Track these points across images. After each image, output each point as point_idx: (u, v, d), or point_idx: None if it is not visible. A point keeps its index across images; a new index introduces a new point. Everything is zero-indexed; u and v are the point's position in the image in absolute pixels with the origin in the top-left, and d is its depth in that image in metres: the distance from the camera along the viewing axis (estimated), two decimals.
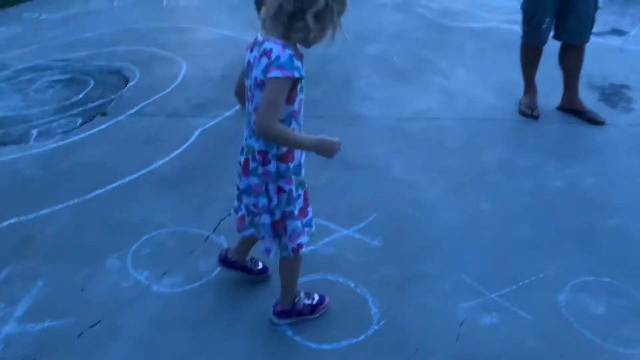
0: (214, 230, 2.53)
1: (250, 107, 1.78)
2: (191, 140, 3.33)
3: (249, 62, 1.74)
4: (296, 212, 1.84)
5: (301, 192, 1.87)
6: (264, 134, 1.68)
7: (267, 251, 1.90)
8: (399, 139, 3.38)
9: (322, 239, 2.46)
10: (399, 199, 2.78)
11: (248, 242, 2.14)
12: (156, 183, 2.90)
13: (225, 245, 2.40)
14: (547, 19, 3.50)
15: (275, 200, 1.80)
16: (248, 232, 1.97)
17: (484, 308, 2.10)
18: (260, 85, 1.68)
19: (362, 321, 2.05)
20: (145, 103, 3.76)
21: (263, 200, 1.81)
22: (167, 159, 3.11)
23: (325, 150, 1.75)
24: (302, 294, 2.07)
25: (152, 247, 2.42)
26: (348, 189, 2.86)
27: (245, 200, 1.89)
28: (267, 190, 1.80)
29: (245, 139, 1.83)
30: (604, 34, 5.42)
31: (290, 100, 1.69)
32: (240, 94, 1.87)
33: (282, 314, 2.04)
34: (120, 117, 3.57)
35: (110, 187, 2.85)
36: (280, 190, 1.80)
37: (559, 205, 2.75)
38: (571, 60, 3.65)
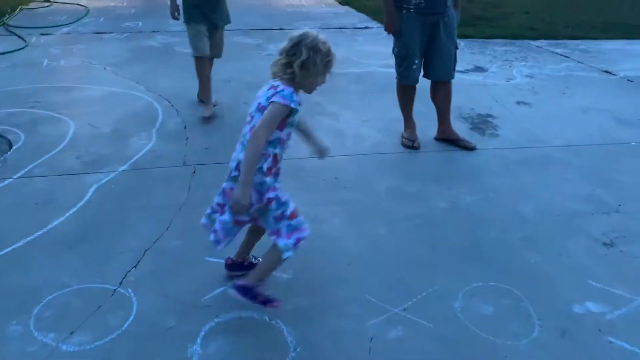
0: (120, 283, 2.50)
1: (246, 128, 2.14)
2: (87, 197, 3.25)
3: (257, 96, 2.15)
4: (288, 213, 2.16)
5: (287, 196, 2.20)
6: (254, 136, 2.01)
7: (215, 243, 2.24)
8: (299, 177, 3.54)
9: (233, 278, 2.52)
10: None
11: (249, 243, 2.48)
12: (54, 244, 2.80)
13: (133, 298, 2.38)
14: (416, 61, 3.90)
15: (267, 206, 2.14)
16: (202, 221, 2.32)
17: (390, 323, 2.27)
18: (261, 109, 2.07)
19: (280, 350, 2.12)
20: (33, 164, 3.62)
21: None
22: (62, 218, 3.02)
23: (239, 198, 2.04)
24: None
25: (56, 308, 2.33)
26: None
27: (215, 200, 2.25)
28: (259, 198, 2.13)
29: (236, 154, 2.18)
30: (468, 71, 6.09)
31: (280, 127, 2.08)
32: None
33: (241, 288, 2.20)
34: (8, 181, 3.41)
35: (2, 253, 2.71)
36: (268, 200, 2.13)
37: (446, 224, 3.04)
38: (441, 95, 4.08)
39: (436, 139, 4.17)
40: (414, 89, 4.06)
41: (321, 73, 2.11)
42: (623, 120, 4.68)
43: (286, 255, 2.17)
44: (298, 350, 2.13)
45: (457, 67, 4.10)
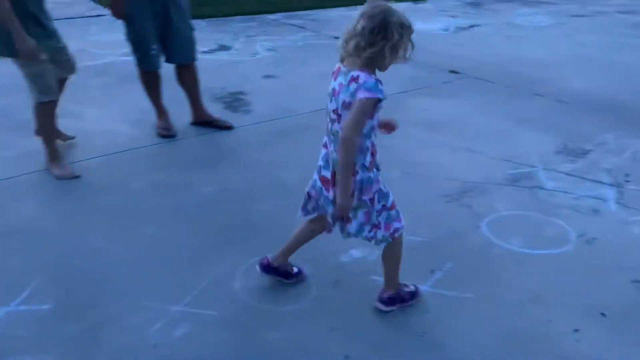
0: None
1: (336, 126, 1.96)
2: None
3: (334, 89, 1.95)
4: (389, 204, 2.08)
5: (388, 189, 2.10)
6: (346, 142, 1.88)
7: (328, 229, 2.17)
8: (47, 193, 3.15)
9: None
10: (60, 256, 2.60)
11: (298, 243, 2.34)
12: None
13: None
14: (153, 46, 3.74)
15: (364, 207, 2.03)
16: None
17: (173, 323, 2.17)
18: (347, 106, 1.89)
19: None
20: None
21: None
22: None
23: (343, 204, 1.98)
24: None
25: None
26: None
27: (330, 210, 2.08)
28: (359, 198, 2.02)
29: (330, 155, 2.04)
30: (214, 51, 6.09)
31: (371, 116, 1.92)
32: None
33: (389, 300, 2.22)
34: None
35: None
36: (371, 196, 2.02)
37: (216, 207, 3.02)
38: (188, 78, 3.99)
39: (192, 123, 4.10)
40: (157, 75, 3.90)
41: (405, 50, 1.87)
42: None
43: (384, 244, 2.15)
44: None
45: (202, 48, 4.08)
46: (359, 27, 1.83)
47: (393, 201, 2.11)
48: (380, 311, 2.23)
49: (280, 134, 3.97)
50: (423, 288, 2.36)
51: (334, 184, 2.03)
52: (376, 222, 2.08)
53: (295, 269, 2.43)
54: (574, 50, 6.46)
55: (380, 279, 2.41)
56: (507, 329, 2.16)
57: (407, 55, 1.89)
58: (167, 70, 3.94)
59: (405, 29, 1.84)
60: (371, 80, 1.85)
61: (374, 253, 2.60)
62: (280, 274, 2.39)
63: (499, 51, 6.33)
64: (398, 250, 2.18)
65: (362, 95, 1.83)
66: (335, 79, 1.96)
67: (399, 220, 2.13)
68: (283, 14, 8.28)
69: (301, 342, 2.09)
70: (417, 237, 2.70)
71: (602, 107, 4.51)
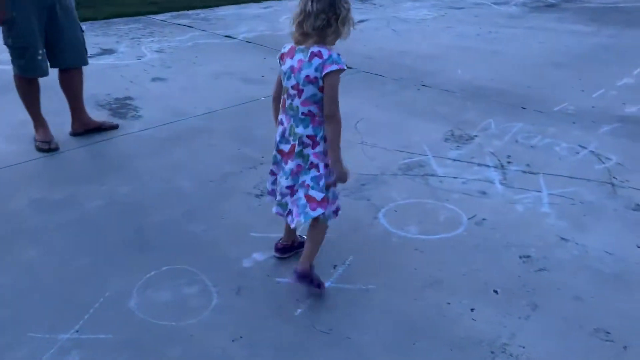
0: None
1: (296, 101, 2.11)
2: None
3: (292, 66, 2.08)
4: (332, 181, 2.20)
5: None
6: (333, 120, 2.08)
7: (291, 222, 2.26)
8: None
9: None
10: None
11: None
12: None
13: None
14: (40, 51, 3.46)
15: (324, 175, 2.16)
16: (274, 210, 2.33)
17: (62, 352, 2.00)
18: (312, 80, 2.05)
19: None
20: None
21: (304, 178, 2.17)
22: None
23: (342, 170, 2.18)
24: None
25: None
26: None
27: (283, 182, 2.22)
28: (316, 167, 2.16)
29: (290, 129, 2.16)
30: (96, 55, 5.74)
31: None
32: (278, 100, 2.25)
33: (302, 274, 2.23)
34: None
35: None
36: (326, 165, 2.17)
37: (105, 222, 2.83)
38: (73, 84, 3.75)
39: (74, 134, 3.82)
40: (37, 82, 3.59)
41: (351, 24, 2.09)
42: (250, 80, 5.13)
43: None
44: None
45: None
46: (311, 8, 2.01)
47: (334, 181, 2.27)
48: (288, 283, 2.35)
49: (172, 140, 3.81)
50: (327, 284, 2.36)
51: (291, 157, 2.18)
52: (326, 195, 2.20)
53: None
54: (455, 41, 6.81)
55: (284, 280, 2.40)
56: (408, 315, 2.22)
57: (352, 29, 2.12)
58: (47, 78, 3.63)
59: (349, 4, 2.09)
60: (334, 53, 2.05)
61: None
62: (297, 247, 2.52)
63: (387, 45, 6.53)
64: (324, 231, 2.32)
65: (330, 68, 2.02)
66: (291, 58, 2.11)
67: (338, 200, 2.32)
68: (170, 14, 7.99)
69: (203, 356, 2.01)
70: None
71: (484, 95, 4.79)
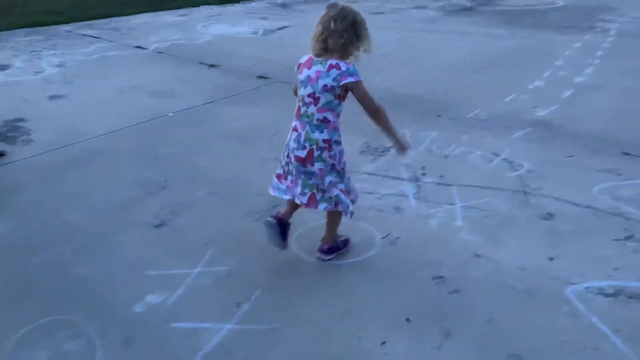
0: None
1: (311, 108, 2.32)
2: None
3: (309, 76, 2.32)
4: (349, 175, 2.47)
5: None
6: (378, 113, 2.37)
7: (345, 212, 2.45)
8: None
9: None
10: None
11: (293, 210, 2.57)
12: None
13: None
14: None
15: (343, 174, 2.42)
16: (323, 207, 2.43)
17: None
18: (329, 90, 2.28)
19: None
20: None
21: (330, 178, 2.37)
22: None
23: (403, 144, 2.50)
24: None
25: None
26: None
27: (312, 181, 2.38)
28: (333, 166, 2.37)
29: (305, 135, 2.33)
30: None
31: (343, 99, 2.34)
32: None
33: (329, 250, 2.57)
34: None
35: None
36: (345, 166, 2.42)
37: None
38: None
39: None
40: None
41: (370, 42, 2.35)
42: (159, 93, 4.84)
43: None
44: None
45: None
46: (334, 27, 2.27)
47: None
48: (323, 260, 2.56)
49: (64, 165, 3.48)
50: (229, 326, 2.16)
51: (310, 162, 2.34)
52: (348, 188, 2.47)
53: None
54: (375, 47, 6.75)
55: (182, 325, 2.18)
56: (317, 353, 2.05)
57: (370, 45, 2.37)
58: None
59: (366, 24, 2.35)
60: (351, 66, 2.29)
61: (174, 295, 2.35)
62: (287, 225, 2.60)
63: (305, 53, 6.37)
64: (340, 214, 2.52)
65: (348, 80, 2.26)
66: (308, 68, 2.33)
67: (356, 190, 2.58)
68: (76, 24, 7.52)
69: None
70: (222, 267, 2.51)
71: (400, 102, 4.72)
